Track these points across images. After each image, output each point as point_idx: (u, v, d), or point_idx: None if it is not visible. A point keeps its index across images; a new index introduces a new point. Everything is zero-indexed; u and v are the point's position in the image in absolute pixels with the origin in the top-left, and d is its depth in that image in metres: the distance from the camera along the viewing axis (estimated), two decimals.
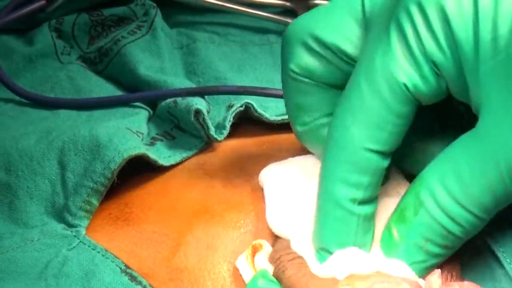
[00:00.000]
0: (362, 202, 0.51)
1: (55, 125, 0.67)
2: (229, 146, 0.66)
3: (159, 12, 0.79)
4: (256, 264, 0.54)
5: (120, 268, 0.56)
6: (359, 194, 0.50)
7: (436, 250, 0.50)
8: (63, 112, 0.69)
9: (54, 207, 0.61)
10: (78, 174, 0.61)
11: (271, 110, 0.69)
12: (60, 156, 0.62)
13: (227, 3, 0.79)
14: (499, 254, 0.57)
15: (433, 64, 0.48)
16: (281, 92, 0.67)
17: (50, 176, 0.62)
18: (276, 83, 0.75)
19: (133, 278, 0.56)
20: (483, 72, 0.47)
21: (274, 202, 0.56)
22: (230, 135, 0.66)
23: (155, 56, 0.75)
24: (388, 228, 0.51)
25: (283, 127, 0.68)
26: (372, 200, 0.51)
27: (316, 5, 0.83)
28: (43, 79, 0.75)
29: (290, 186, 0.56)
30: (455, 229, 0.49)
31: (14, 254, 0.58)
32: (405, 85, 0.49)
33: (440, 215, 0.48)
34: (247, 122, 0.68)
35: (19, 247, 0.59)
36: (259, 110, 0.67)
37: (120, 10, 0.80)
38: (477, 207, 0.48)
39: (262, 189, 0.59)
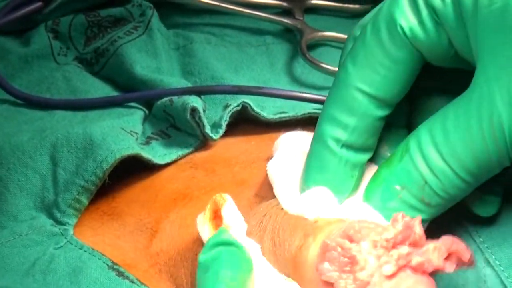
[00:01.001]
0: (347, 146, 0.51)
1: (50, 124, 0.68)
2: (221, 143, 0.68)
3: (155, 13, 0.79)
4: (225, 218, 0.52)
5: (107, 265, 0.58)
6: (343, 136, 0.51)
7: (411, 200, 0.49)
8: (58, 113, 0.70)
9: (43, 202, 0.62)
10: (69, 171, 0.62)
11: (268, 109, 0.70)
12: (53, 152, 0.63)
13: (223, 3, 0.80)
14: (488, 255, 0.57)
15: (433, 11, 0.49)
16: (276, 91, 0.68)
17: (41, 171, 0.63)
18: (272, 84, 0.76)
19: (120, 273, 0.57)
20: (479, 21, 0.47)
21: (281, 153, 0.56)
22: (224, 134, 0.67)
23: (152, 56, 0.76)
24: (375, 173, 0.52)
25: (278, 126, 0.68)
26: (359, 148, 0.52)
27: (313, 5, 0.84)
28: (39, 80, 0.76)
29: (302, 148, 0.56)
30: (433, 182, 0.48)
31: (3, 250, 0.60)
32: (402, 28, 0.49)
33: (421, 164, 0.48)
34: (243, 122, 0.69)
35: (8, 242, 0.60)
36: (256, 109, 0.67)
37: (116, 11, 0.81)
38: (457, 163, 0.48)
39: (242, 175, 0.62)
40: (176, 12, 0.84)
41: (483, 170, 0.48)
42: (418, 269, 0.44)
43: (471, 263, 0.47)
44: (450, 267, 0.46)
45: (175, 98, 0.67)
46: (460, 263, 0.47)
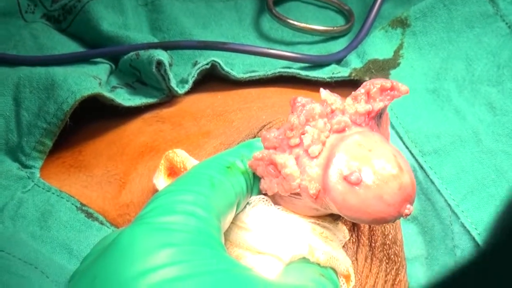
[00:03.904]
0: None
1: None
2: (187, 98, 0.71)
3: None
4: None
5: (76, 207, 0.62)
6: None
7: None
8: (24, 68, 0.72)
9: (7, 144, 0.66)
10: (32, 113, 0.65)
11: (238, 67, 0.73)
12: (15, 92, 0.67)
13: None
14: (463, 219, 0.61)
15: None
16: (242, 47, 0.71)
17: (4, 112, 0.67)
18: (241, 39, 0.79)
19: (89, 215, 0.61)
20: None
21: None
22: (191, 90, 0.71)
23: (118, 13, 0.79)
24: None
25: (245, 82, 0.72)
26: None
27: None
28: (6, 37, 0.79)
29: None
30: None
31: None
32: None
33: None
34: (210, 79, 0.73)
35: None
36: (225, 68, 0.70)
37: None
38: None
39: (208, 127, 0.65)
40: None
41: None
42: (340, 130, 0.48)
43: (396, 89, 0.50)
44: (377, 105, 0.49)
45: (141, 52, 0.71)
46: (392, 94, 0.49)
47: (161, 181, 0.56)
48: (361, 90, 0.49)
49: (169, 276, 0.41)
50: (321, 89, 0.49)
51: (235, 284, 0.42)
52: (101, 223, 0.61)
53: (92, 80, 0.66)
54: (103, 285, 0.41)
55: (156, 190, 0.57)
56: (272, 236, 0.49)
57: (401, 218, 0.56)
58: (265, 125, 0.60)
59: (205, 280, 0.41)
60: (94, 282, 0.42)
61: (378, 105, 0.48)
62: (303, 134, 0.47)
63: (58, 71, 0.66)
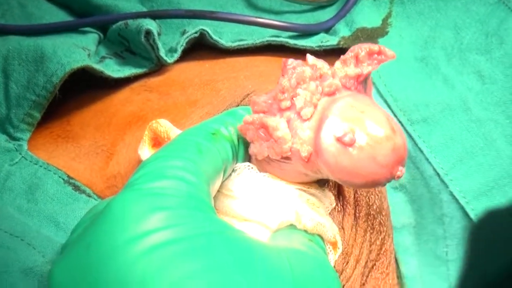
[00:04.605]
0: None
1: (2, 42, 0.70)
2: (176, 67, 0.72)
3: None
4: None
5: (63, 179, 0.62)
6: None
7: None
8: (12, 38, 0.72)
9: None
10: (21, 85, 0.65)
11: (226, 35, 0.73)
12: (4, 65, 0.67)
13: None
14: (452, 187, 0.62)
15: None
16: (230, 16, 0.71)
17: None
18: (229, 8, 0.79)
19: (76, 188, 0.61)
20: None
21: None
22: (180, 59, 0.71)
23: None
24: None
25: (235, 51, 0.73)
26: None
27: None
28: None
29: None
30: None
31: None
32: None
33: None
34: (199, 47, 0.73)
35: None
36: (214, 36, 0.70)
37: None
38: None
39: (195, 96, 0.65)
40: None
41: None
42: (331, 93, 0.48)
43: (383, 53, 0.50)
44: (366, 69, 0.49)
45: (130, 21, 0.71)
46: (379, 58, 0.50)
47: (145, 151, 0.56)
48: (349, 54, 0.49)
49: (162, 239, 0.41)
50: (308, 55, 0.49)
51: (229, 245, 0.42)
52: (88, 195, 0.61)
53: (81, 52, 0.66)
54: (98, 252, 0.41)
55: (141, 161, 0.57)
56: (258, 203, 0.50)
57: (389, 187, 0.56)
58: (248, 94, 0.60)
59: (199, 242, 0.41)
60: (89, 250, 0.42)
61: (367, 69, 0.48)
62: (295, 96, 0.47)
63: (47, 43, 0.66)
